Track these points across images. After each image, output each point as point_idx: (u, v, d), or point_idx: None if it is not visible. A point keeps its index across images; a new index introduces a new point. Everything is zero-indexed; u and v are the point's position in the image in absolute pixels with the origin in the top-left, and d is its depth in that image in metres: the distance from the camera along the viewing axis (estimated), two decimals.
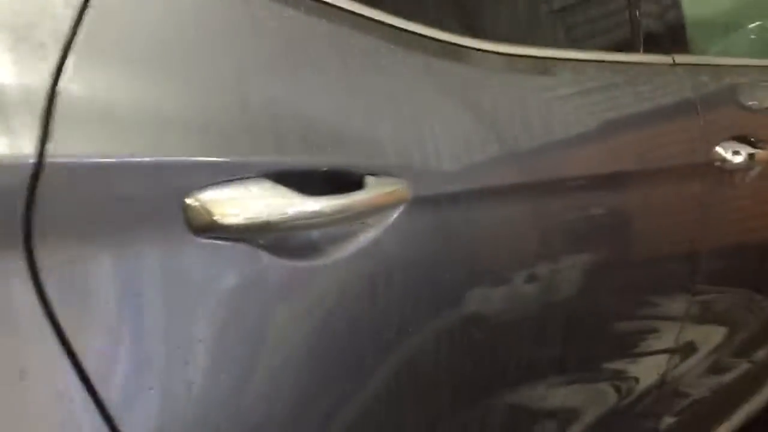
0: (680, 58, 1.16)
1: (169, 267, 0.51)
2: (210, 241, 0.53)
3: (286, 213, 0.55)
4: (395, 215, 0.65)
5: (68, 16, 0.47)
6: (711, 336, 1.45)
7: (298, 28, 0.62)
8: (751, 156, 1.23)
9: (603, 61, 0.96)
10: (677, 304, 1.23)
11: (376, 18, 0.69)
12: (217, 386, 0.53)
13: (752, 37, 1.82)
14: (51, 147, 0.44)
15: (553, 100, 0.86)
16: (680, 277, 1.21)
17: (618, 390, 1.18)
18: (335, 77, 0.64)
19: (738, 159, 1.20)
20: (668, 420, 1.38)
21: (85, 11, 0.47)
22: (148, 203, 0.50)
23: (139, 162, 0.48)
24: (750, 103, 1.35)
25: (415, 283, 0.69)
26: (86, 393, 0.47)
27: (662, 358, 1.27)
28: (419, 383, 0.72)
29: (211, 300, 0.53)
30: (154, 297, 0.50)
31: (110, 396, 0.48)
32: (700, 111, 1.17)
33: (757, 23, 1.79)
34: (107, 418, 0.48)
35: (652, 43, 1.09)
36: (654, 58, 1.09)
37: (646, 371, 1.24)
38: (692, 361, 1.39)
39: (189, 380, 0.51)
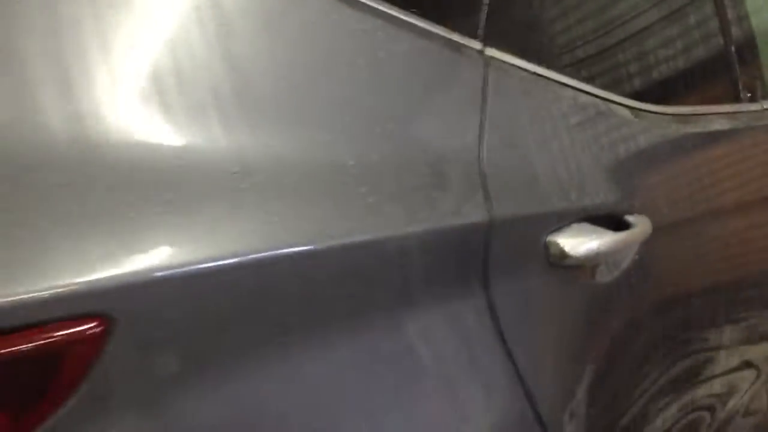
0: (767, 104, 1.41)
1: (541, 292, 0.73)
2: (559, 269, 0.74)
3: (605, 245, 0.77)
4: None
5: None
6: None
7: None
8: None
9: (733, 112, 1.21)
10: None
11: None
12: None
13: None
14: (492, 208, 0.66)
15: (710, 144, 1.10)
16: None
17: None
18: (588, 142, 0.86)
19: None
20: None
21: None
22: (527, 243, 0.71)
23: (531, 213, 0.71)
24: None
25: (651, 289, 0.92)
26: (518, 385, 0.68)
27: None
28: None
29: (566, 314, 0.75)
30: (539, 316, 0.72)
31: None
32: None
33: None
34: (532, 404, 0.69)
35: (750, 94, 1.34)
36: (754, 106, 1.33)
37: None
38: None
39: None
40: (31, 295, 0.38)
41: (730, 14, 1.31)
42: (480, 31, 0.74)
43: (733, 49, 1.32)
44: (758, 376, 1.46)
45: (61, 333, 0.39)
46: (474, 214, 0.65)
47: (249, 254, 0.48)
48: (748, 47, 1.38)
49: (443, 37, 0.70)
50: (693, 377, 1.18)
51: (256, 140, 0.53)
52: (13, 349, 0.37)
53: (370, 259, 0.56)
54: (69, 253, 0.40)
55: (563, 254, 0.73)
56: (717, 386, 1.31)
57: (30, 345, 0.38)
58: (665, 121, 1.03)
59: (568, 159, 0.79)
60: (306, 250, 0.53)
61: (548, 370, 0.72)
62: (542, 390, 0.70)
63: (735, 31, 1.33)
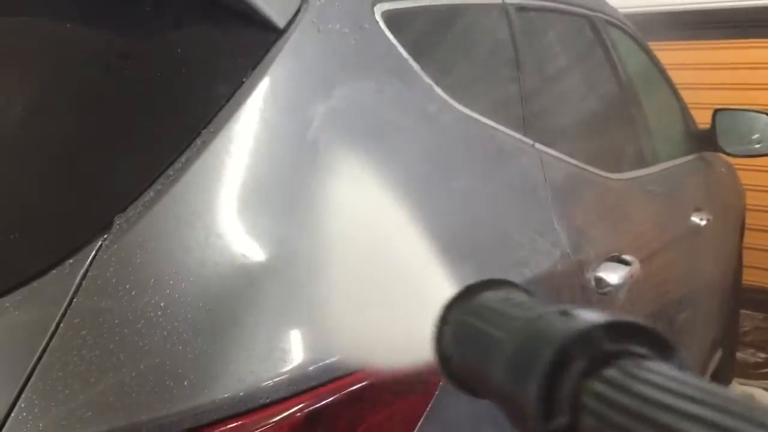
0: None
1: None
2: (601, 294, 1.03)
3: (626, 275, 1.07)
4: None
5: None
6: None
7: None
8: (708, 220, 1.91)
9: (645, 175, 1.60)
10: None
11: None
12: None
13: None
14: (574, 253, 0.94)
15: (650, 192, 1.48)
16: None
17: None
18: None
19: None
20: None
21: None
22: (585, 276, 1.00)
23: (589, 258, 1.00)
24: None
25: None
26: None
27: None
28: None
29: None
30: None
31: None
32: None
33: None
34: None
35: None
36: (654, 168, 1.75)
37: None
38: None
39: None
40: None
41: (632, 100, 1.73)
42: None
43: (637, 131, 1.73)
44: None
45: None
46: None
47: None
48: (644, 125, 1.80)
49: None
50: None
51: None
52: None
53: None
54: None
55: (605, 283, 1.03)
56: None
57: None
58: (619, 184, 1.38)
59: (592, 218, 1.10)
60: None
61: None
62: None
63: (635, 112, 1.75)
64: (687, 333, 1.68)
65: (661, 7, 3.50)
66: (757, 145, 2.29)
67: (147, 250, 0.55)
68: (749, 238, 3.09)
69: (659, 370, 0.32)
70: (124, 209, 0.56)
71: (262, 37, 0.67)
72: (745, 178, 2.97)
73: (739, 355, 2.97)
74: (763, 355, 3.11)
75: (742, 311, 3.09)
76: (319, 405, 0.58)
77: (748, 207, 2.99)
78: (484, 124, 0.94)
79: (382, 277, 0.63)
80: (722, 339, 2.41)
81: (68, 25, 0.72)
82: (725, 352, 2.51)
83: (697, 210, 1.91)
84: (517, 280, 0.84)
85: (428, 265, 0.69)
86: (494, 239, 0.84)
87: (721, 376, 2.62)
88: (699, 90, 3.05)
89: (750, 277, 3.23)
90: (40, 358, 0.49)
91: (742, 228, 2.91)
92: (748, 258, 3.10)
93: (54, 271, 0.53)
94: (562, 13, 1.46)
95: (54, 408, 0.48)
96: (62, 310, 0.51)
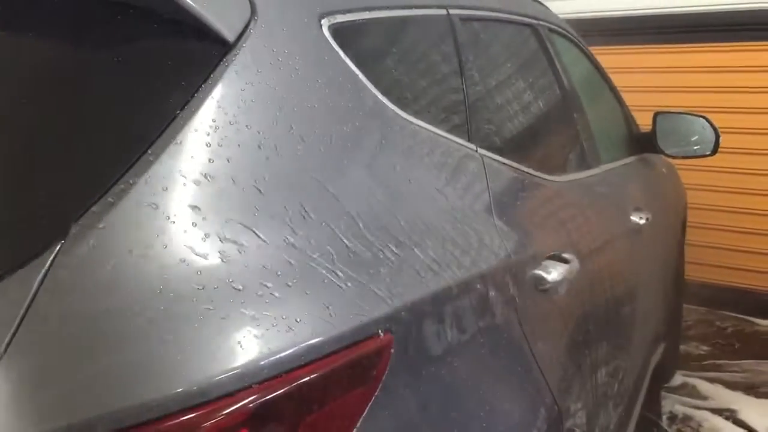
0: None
1: (535, 306, 1.07)
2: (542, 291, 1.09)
3: (565, 272, 1.14)
4: None
5: None
6: None
7: None
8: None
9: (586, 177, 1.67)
10: None
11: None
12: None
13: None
14: (510, 255, 1.00)
15: (591, 193, 1.54)
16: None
17: None
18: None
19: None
20: None
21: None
22: (526, 275, 1.06)
23: (530, 255, 1.05)
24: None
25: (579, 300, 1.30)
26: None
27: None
28: None
29: (547, 319, 1.10)
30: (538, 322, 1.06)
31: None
32: None
33: None
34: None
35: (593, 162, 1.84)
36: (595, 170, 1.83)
37: None
38: None
39: None
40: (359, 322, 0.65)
41: (575, 105, 1.80)
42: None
43: (579, 134, 1.81)
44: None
45: (374, 343, 0.66)
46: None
47: None
48: (586, 129, 1.87)
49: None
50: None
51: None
52: (362, 351, 0.64)
53: None
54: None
55: (544, 280, 1.09)
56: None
57: (368, 348, 0.65)
58: (560, 186, 1.45)
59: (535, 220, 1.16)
60: None
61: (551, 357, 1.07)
62: (550, 372, 1.05)
63: (578, 116, 1.82)
64: (628, 327, 1.76)
65: (609, 13, 3.63)
66: (696, 147, 2.39)
67: (102, 255, 0.58)
68: (692, 235, 3.23)
69: None
70: (80, 217, 0.59)
71: (213, 51, 0.71)
72: (688, 177, 3.09)
73: (684, 347, 3.10)
74: (705, 348, 3.25)
75: (686, 306, 3.21)
76: (268, 398, 0.61)
77: (690, 205, 3.12)
78: (429, 131, 0.99)
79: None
80: (665, 333, 2.51)
81: (21, 35, 0.74)
82: (668, 345, 2.62)
83: (637, 209, 2.00)
84: (458, 278, 0.90)
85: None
86: (437, 240, 0.89)
87: (665, 369, 2.73)
88: (644, 93, 3.17)
89: (693, 273, 3.37)
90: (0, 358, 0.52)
91: (684, 225, 3.03)
92: (690, 254, 3.23)
93: (14, 275, 0.56)
94: (506, 22, 1.52)
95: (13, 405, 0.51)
96: (22, 313, 0.54)
